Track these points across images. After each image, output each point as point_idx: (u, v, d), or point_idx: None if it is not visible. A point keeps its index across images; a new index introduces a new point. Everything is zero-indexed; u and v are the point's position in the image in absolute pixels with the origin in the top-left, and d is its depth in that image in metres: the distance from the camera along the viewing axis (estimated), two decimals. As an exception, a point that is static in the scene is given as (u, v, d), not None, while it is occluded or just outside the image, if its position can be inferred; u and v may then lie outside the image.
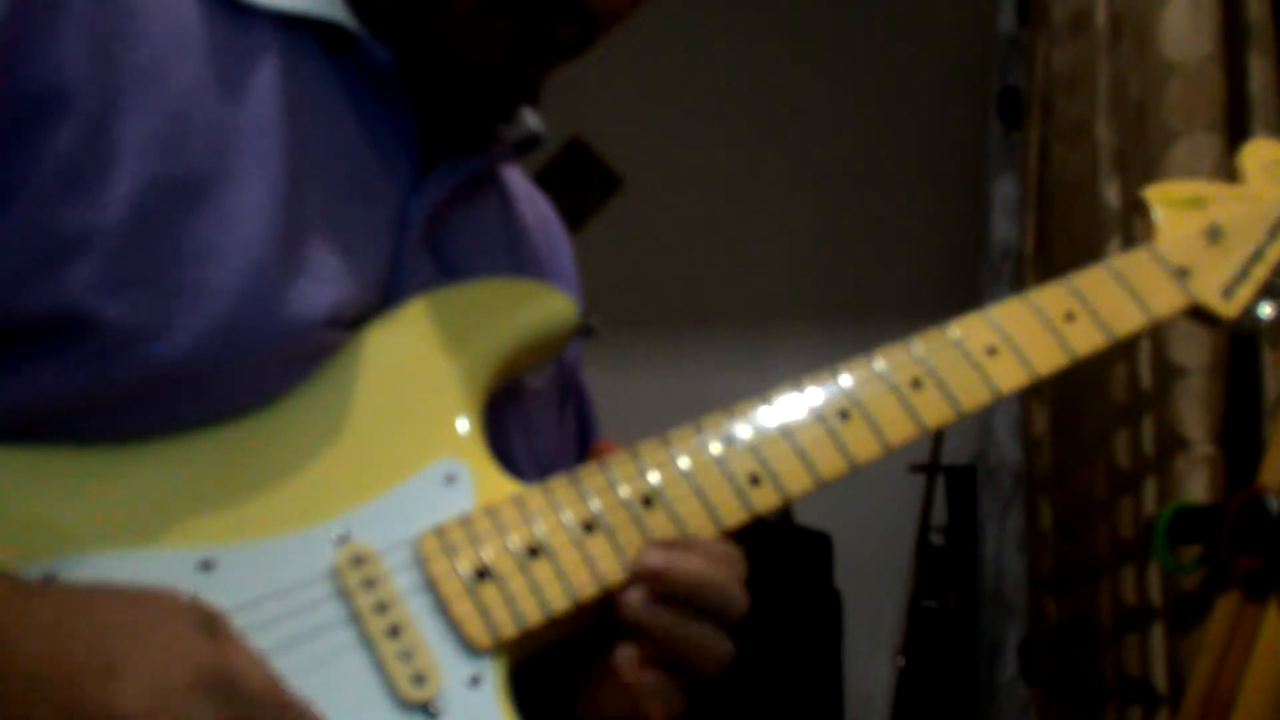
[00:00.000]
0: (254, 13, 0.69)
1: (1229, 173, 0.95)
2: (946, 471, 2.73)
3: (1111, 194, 1.81)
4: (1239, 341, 1.58)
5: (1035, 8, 2.27)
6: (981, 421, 2.53)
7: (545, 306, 0.76)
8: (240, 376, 0.65)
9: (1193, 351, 1.53)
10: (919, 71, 3.06)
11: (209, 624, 0.54)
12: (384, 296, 0.72)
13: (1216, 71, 1.56)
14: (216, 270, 0.63)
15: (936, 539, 2.76)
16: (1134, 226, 1.71)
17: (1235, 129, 1.56)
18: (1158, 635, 1.60)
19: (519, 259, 0.85)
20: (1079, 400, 1.94)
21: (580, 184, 3.20)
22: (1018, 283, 2.36)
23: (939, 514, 2.76)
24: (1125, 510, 1.73)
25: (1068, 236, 2.04)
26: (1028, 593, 2.27)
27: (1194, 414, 1.53)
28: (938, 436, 2.61)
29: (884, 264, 3.08)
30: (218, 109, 0.65)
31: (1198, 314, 0.87)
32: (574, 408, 0.92)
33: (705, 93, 3.14)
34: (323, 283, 0.67)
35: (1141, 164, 1.67)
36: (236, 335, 0.63)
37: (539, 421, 0.83)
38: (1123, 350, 1.75)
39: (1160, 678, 1.59)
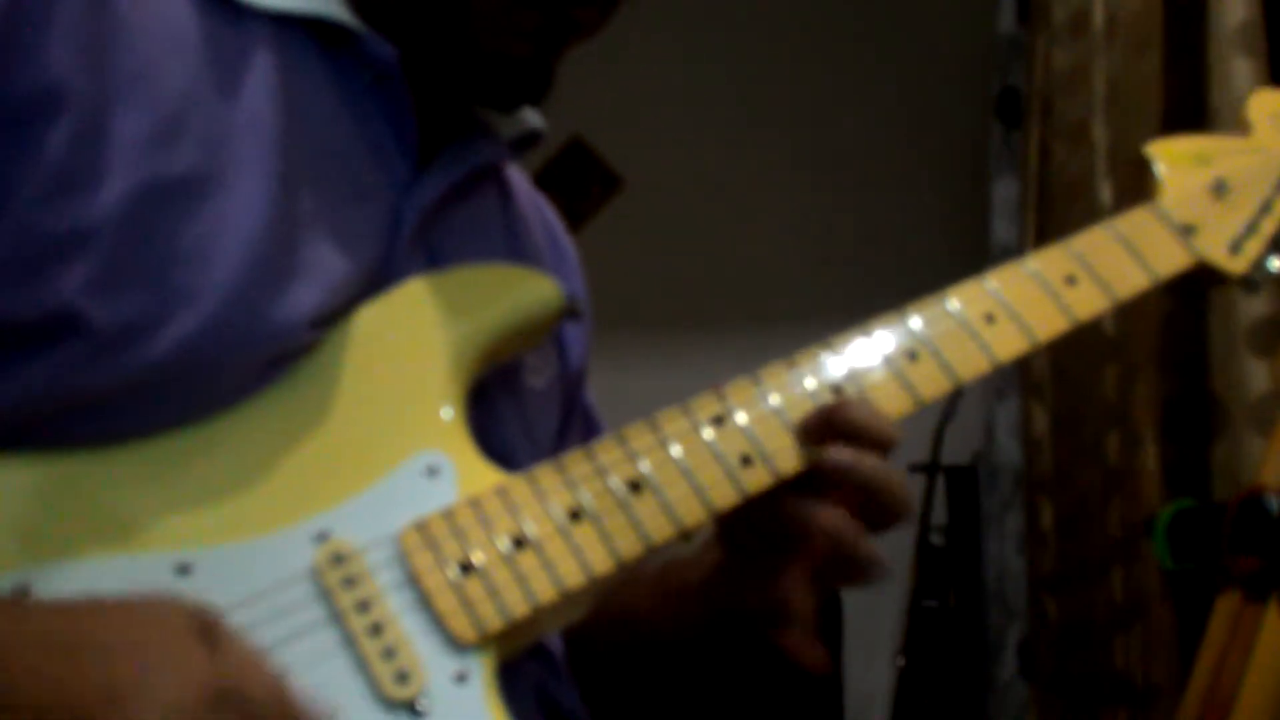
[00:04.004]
0: (250, 12, 0.68)
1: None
2: (946, 471, 2.71)
3: (1109, 194, 1.80)
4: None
5: (1035, 8, 2.26)
6: (982, 421, 2.52)
7: (526, 289, 0.75)
8: (227, 377, 0.64)
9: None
10: (919, 71, 3.05)
11: (207, 631, 0.53)
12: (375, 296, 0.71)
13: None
14: (208, 271, 0.62)
15: (936, 539, 2.75)
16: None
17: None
18: (1156, 635, 1.59)
19: (517, 255, 0.84)
20: (1078, 401, 1.94)
21: (580, 184, 3.19)
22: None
23: (939, 514, 2.74)
24: (1122, 510, 1.72)
25: (1067, 237, 2.04)
26: (1027, 593, 2.26)
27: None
28: (938, 436, 2.60)
29: (884, 264, 3.06)
30: (211, 110, 0.65)
31: (1204, 272, 0.84)
32: (580, 423, 0.91)
33: (705, 93, 3.13)
34: (312, 283, 0.66)
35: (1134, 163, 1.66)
36: (226, 336, 0.62)
37: (540, 422, 0.82)
38: (1118, 350, 1.75)
39: (1158, 678, 1.58)
